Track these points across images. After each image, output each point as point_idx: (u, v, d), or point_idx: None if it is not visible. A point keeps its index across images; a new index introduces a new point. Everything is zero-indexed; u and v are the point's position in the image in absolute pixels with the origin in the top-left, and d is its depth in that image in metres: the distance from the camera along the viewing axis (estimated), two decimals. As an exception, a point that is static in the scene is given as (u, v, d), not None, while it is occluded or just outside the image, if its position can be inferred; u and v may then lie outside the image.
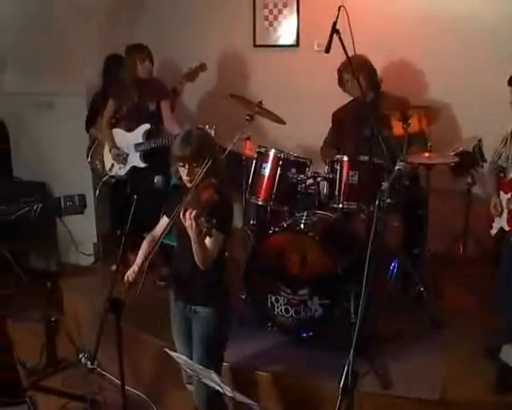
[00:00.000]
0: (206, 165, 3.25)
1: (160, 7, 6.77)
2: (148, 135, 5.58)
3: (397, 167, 3.05)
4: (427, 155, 4.69)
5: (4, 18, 6.16)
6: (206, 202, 3.22)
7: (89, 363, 3.96)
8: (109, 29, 6.41)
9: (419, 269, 4.87)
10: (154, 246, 3.48)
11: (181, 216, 3.13)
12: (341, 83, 5.21)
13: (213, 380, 3.12)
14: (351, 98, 5.32)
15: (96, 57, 6.34)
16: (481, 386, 3.93)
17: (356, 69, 4.82)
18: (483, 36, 5.50)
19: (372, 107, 4.92)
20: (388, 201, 3.20)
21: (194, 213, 3.07)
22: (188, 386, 3.85)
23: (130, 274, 3.52)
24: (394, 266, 4.77)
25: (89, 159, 6.14)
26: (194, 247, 3.23)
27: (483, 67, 5.47)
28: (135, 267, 3.54)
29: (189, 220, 3.09)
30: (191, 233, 3.15)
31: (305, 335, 4.46)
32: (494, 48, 5.44)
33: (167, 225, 3.40)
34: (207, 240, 3.22)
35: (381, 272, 4.70)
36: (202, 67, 5.77)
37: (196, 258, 3.28)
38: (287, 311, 4.46)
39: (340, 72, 5.17)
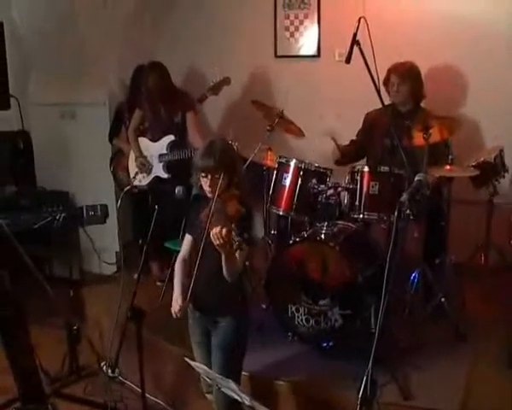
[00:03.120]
0: (221, 176, 3.26)
1: (184, 17, 6.82)
2: (172, 146, 5.63)
3: (417, 178, 3.05)
4: (448, 167, 4.68)
5: (29, 28, 6.23)
6: (234, 215, 3.19)
7: (110, 371, 3.99)
8: (133, 39, 6.46)
9: (440, 279, 4.85)
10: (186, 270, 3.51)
11: (211, 236, 3.06)
12: (386, 83, 5.15)
13: (232, 389, 3.12)
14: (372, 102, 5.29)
15: (118, 67, 6.40)
16: (502, 397, 3.91)
17: (405, 76, 4.83)
18: (506, 42, 5.51)
19: (407, 118, 4.90)
20: (408, 212, 3.20)
21: (225, 231, 3.00)
22: (208, 395, 3.85)
23: (177, 311, 3.49)
24: (415, 277, 4.75)
25: (111, 169, 6.20)
26: (225, 262, 3.20)
27: (505, 77, 5.45)
28: (178, 300, 3.53)
29: (220, 239, 3.02)
30: (223, 251, 3.12)
31: (325, 345, 4.46)
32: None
33: (199, 248, 3.35)
34: (237, 253, 3.22)
35: (402, 283, 4.69)
36: (226, 81, 5.81)
37: (226, 272, 3.27)
38: (307, 321, 4.46)
39: (389, 72, 5.12)
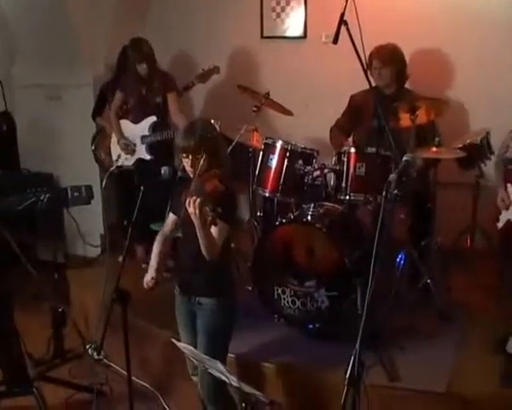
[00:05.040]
0: (202, 156, 3.27)
1: (170, -1, 6.78)
2: (154, 127, 5.60)
3: (404, 159, 3.04)
4: (434, 149, 4.67)
5: (13, 11, 6.15)
6: (211, 192, 3.24)
7: (95, 354, 3.97)
8: (118, 20, 6.39)
9: (426, 261, 4.86)
10: (165, 245, 3.53)
11: (186, 204, 3.14)
12: (370, 67, 5.06)
13: (219, 370, 3.12)
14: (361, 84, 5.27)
15: (104, 49, 6.34)
16: (488, 379, 3.92)
17: (386, 60, 4.81)
18: (495, 28, 5.48)
19: (393, 100, 4.89)
20: (395, 192, 3.20)
21: (198, 200, 3.07)
22: (193, 378, 3.85)
23: (149, 281, 3.56)
24: (401, 258, 4.75)
25: (93, 147, 6.17)
26: (200, 236, 3.23)
27: (493, 60, 5.44)
28: (152, 272, 3.57)
29: (192, 207, 3.09)
30: (196, 221, 3.16)
31: (311, 327, 4.46)
32: (507, 40, 5.42)
33: (176, 222, 3.41)
34: (213, 229, 3.22)
35: (388, 265, 4.69)
36: (215, 70, 5.77)
37: (202, 248, 3.29)
38: (293, 303, 4.46)
39: (371, 56, 5.05)
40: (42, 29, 6.11)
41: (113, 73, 6.22)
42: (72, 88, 6.24)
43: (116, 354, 4.17)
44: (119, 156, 5.79)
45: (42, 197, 4.10)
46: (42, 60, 6.18)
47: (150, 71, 5.55)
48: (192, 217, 3.15)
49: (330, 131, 5.38)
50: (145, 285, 3.58)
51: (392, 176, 2.81)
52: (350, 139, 5.36)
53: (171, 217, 3.68)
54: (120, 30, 6.28)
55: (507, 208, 4.19)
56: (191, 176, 3.39)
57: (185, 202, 3.18)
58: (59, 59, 6.12)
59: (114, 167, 5.48)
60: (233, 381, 3.08)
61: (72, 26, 6.07)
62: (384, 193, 2.78)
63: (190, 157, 3.38)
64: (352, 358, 2.72)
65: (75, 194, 4.21)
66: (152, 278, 3.59)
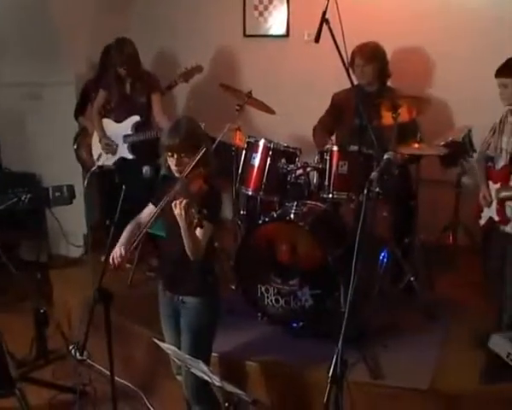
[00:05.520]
0: (198, 154, 3.26)
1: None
2: (136, 127, 5.57)
3: (385, 157, 3.04)
4: (416, 146, 4.70)
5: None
6: (196, 193, 3.22)
7: (78, 354, 3.95)
8: (101, 18, 6.35)
9: (409, 259, 4.88)
10: (140, 233, 3.46)
11: (172, 206, 3.13)
12: (352, 65, 5.09)
13: (202, 370, 3.12)
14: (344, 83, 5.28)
15: (86, 47, 6.30)
16: (471, 375, 3.95)
17: (368, 57, 4.82)
18: (476, 26, 5.51)
19: (375, 98, 4.90)
20: (377, 190, 3.20)
21: (184, 202, 3.06)
22: (178, 377, 3.84)
23: (116, 257, 3.41)
24: (384, 256, 4.77)
25: (75, 147, 6.13)
26: (185, 237, 3.22)
27: (475, 57, 5.46)
28: (121, 249, 3.43)
29: (178, 209, 3.08)
30: (181, 223, 3.15)
31: (295, 325, 4.46)
32: (486, 39, 5.44)
33: (154, 213, 3.38)
34: (198, 231, 3.22)
35: (371, 262, 4.70)
36: (198, 69, 5.76)
37: (187, 248, 3.28)
38: (277, 301, 4.46)
39: (353, 54, 5.08)
40: (23, 27, 6.06)
41: (96, 71, 6.19)
42: (54, 86, 6.18)
43: (100, 355, 4.14)
44: (99, 155, 5.76)
45: (23, 197, 4.09)
46: (23, 58, 6.12)
47: (133, 72, 5.52)
48: (178, 218, 3.14)
49: (313, 129, 5.39)
50: (110, 260, 3.43)
51: (374, 174, 2.82)
52: (333, 138, 5.37)
53: (150, 207, 3.63)
54: (103, 28, 6.24)
55: (489, 206, 4.20)
56: (176, 175, 3.38)
57: (170, 201, 3.18)
58: (40, 57, 6.05)
59: (96, 167, 5.46)
60: (215, 380, 3.08)
61: (54, 24, 6.02)
62: (366, 191, 2.78)
63: (175, 156, 3.37)
64: (335, 356, 2.72)
65: (57, 194, 4.20)
66: (120, 255, 3.41)
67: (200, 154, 3.27)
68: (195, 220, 3.05)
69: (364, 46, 5.10)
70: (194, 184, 3.28)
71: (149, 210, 3.62)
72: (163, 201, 3.27)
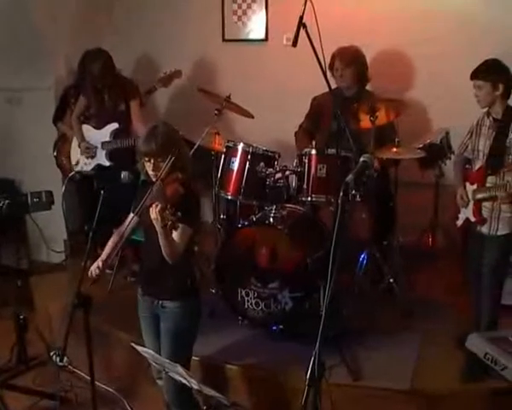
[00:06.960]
0: (169, 160, 3.28)
1: (133, 2, 6.74)
2: (115, 134, 5.56)
3: (362, 159, 3.06)
4: (394, 149, 4.73)
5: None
6: (171, 196, 3.27)
7: (59, 360, 3.94)
8: (81, 22, 6.33)
9: (389, 261, 4.92)
10: (119, 240, 3.49)
11: (149, 210, 3.14)
12: (331, 68, 5.15)
13: (180, 374, 3.12)
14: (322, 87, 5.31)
15: (65, 52, 6.28)
16: (450, 375, 4.00)
17: (348, 61, 4.86)
18: (453, 27, 5.57)
19: (353, 101, 4.93)
20: (353, 192, 3.21)
21: (159, 206, 3.09)
22: (158, 381, 3.84)
23: (94, 269, 3.54)
24: (364, 258, 4.80)
25: (54, 153, 6.11)
26: (161, 240, 3.24)
27: (452, 59, 5.51)
28: (99, 262, 3.56)
29: (154, 213, 3.10)
30: (157, 226, 3.17)
31: (275, 328, 4.47)
32: (464, 40, 5.50)
33: (131, 219, 3.41)
34: (174, 233, 3.24)
35: (350, 264, 4.73)
36: (177, 74, 5.77)
37: (164, 252, 3.30)
38: (257, 304, 4.47)
39: (333, 57, 5.13)
40: (1, 31, 6.04)
41: (75, 77, 6.18)
42: (33, 91, 6.16)
43: (81, 360, 4.12)
44: (77, 161, 5.73)
45: (1, 203, 4.08)
46: (1, 62, 6.10)
47: (109, 83, 5.52)
48: (154, 222, 3.16)
49: (295, 135, 5.43)
50: (89, 273, 3.56)
51: (350, 177, 2.82)
52: (314, 142, 5.39)
53: (131, 216, 3.63)
54: (83, 32, 6.24)
55: (466, 206, 4.24)
56: (153, 180, 3.39)
57: (146, 206, 3.19)
58: (19, 62, 6.03)
59: (74, 172, 5.45)
60: (193, 384, 3.09)
61: (33, 28, 6.01)
62: (341, 194, 2.79)
63: (152, 161, 3.39)
64: (312, 359, 2.73)
65: (35, 200, 4.20)
66: (98, 267, 3.55)
67: (172, 158, 3.28)
68: (169, 223, 3.08)
69: (344, 50, 5.13)
70: (170, 187, 3.32)
71: (130, 218, 3.64)
72: (139, 206, 3.30)
